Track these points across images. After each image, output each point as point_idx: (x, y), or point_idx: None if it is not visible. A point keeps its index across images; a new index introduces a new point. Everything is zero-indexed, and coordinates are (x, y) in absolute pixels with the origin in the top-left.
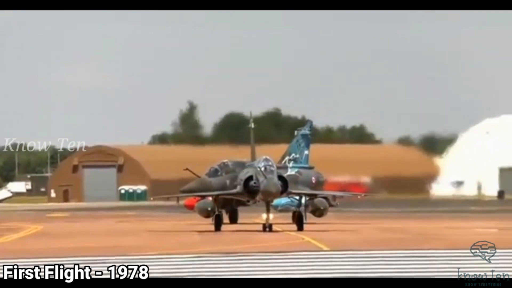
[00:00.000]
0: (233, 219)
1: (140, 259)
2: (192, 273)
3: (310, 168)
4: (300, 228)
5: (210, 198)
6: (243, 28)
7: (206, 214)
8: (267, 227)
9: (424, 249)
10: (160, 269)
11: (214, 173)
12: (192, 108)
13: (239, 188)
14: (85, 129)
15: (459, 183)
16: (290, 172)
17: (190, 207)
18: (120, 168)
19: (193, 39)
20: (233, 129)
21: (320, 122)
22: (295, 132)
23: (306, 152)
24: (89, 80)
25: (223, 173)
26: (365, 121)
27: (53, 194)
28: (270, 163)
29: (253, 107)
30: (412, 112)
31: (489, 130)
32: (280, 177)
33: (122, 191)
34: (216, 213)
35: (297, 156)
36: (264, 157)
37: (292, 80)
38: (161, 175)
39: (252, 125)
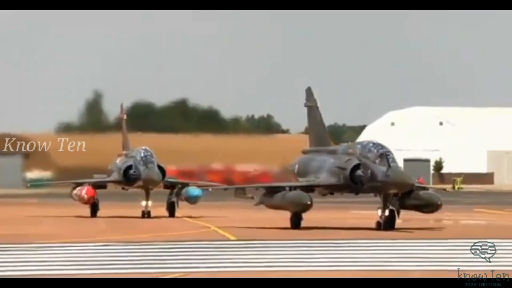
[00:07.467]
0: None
1: (43, 247)
2: (93, 261)
3: None
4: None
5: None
6: (152, 15)
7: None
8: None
9: (331, 240)
10: (62, 257)
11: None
12: (97, 96)
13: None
14: None
15: None
16: None
17: (92, 199)
18: (26, 155)
19: (103, 27)
20: (140, 117)
21: (228, 112)
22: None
23: None
24: None
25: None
26: (272, 111)
27: None
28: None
29: (159, 96)
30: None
31: (394, 121)
32: None
33: (28, 179)
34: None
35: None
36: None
37: (199, 70)
38: (67, 162)
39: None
